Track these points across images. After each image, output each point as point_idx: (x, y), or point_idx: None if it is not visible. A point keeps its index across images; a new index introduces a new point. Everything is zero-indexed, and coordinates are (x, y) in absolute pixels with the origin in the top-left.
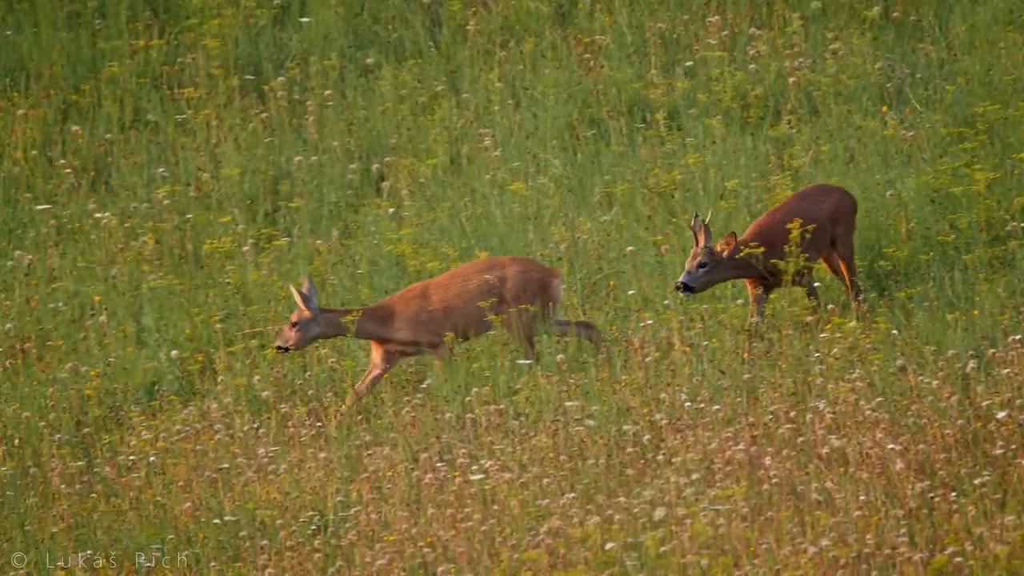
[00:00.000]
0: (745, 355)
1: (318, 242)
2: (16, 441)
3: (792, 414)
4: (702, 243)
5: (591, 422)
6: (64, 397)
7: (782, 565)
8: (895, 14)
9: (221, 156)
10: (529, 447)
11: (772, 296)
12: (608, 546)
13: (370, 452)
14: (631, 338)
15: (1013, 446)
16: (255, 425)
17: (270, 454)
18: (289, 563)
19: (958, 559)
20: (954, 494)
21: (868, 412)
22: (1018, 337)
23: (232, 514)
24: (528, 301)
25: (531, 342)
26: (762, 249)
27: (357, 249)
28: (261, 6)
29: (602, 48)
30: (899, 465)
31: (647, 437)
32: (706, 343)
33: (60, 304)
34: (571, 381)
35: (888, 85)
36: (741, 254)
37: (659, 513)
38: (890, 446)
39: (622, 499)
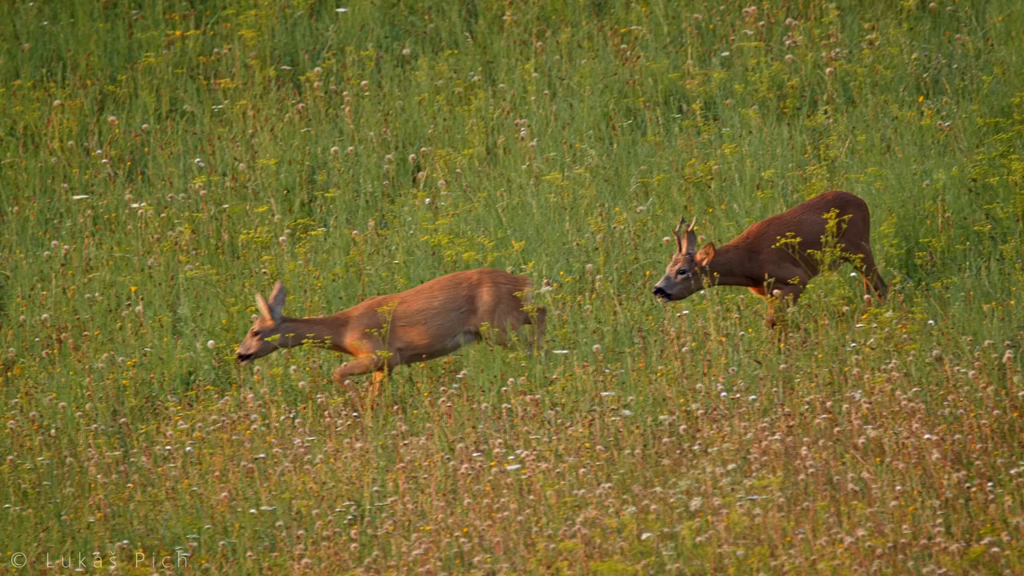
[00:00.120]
0: (781, 345)
1: (354, 232)
2: (53, 431)
3: (828, 404)
4: (685, 249)
5: (627, 412)
6: (100, 387)
7: (818, 555)
8: (932, 4)
9: (257, 146)
10: (565, 437)
11: (808, 286)
12: (644, 536)
13: (406, 442)
14: (667, 328)
15: None
16: (291, 415)
17: (306, 444)
18: (325, 553)
19: (994, 549)
20: (990, 484)
21: (904, 402)
22: None
23: (268, 504)
24: (504, 312)
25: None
26: (798, 239)
27: (393, 239)
28: None
29: (638, 38)
30: (935, 455)
31: (683, 427)
32: (742, 333)
33: (96, 294)
34: (607, 371)
35: (924, 75)
36: (778, 244)
37: (695, 503)
38: (926, 436)
39: (658, 489)
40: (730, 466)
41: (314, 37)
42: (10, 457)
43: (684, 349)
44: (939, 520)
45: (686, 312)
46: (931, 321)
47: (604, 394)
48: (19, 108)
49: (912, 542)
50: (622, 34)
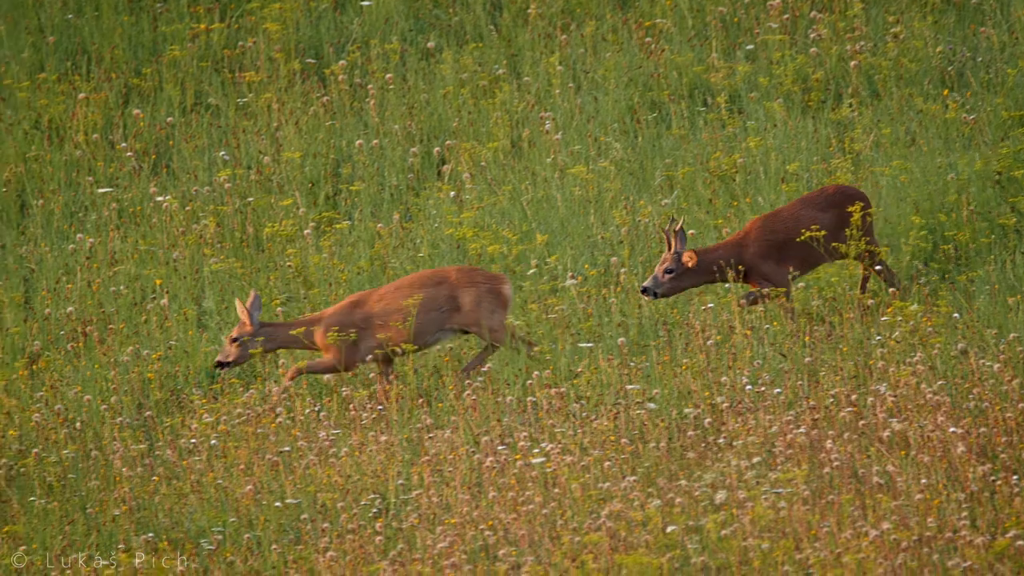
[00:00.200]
0: (806, 338)
1: (379, 225)
2: (78, 424)
3: (853, 397)
4: (674, 248)
5: (652, 405)
6: (126, 380)
7: (843, 548)
8: None
9: (282, 140)
10: (590, 430)
11: (833, 279)
12: (669, 529)
13: (431, 435)
14: (692, 321)
15: None
16: (316, 408)
17: (331, 437)
18: (350, 546)
19: (1020, 542)
20: (1015, 477)
21: (929, 395)
22: None
23: (293, 497)
24: (488, 311)
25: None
26: (823, 233)
27: (418, 232)
28: None
29: (663, 31)
30: (960, 448)
31: (708, 420)
32: (767, 326)
33: (121, 287)
34: (632, 364)
35: (949, 68)
36: (802, 237)
37: (720, 496)
38: (951, 429)
39: (683, 482)
40: (755, 459)
41: (339, 30)
42: (35, 450)
43: (709, 342)
44: (964, 513)
45: (711, 305)
46: (956, 314)
47: (629, 387)
48: (44, 101)
49: (937, 535)
50: (647, 27)
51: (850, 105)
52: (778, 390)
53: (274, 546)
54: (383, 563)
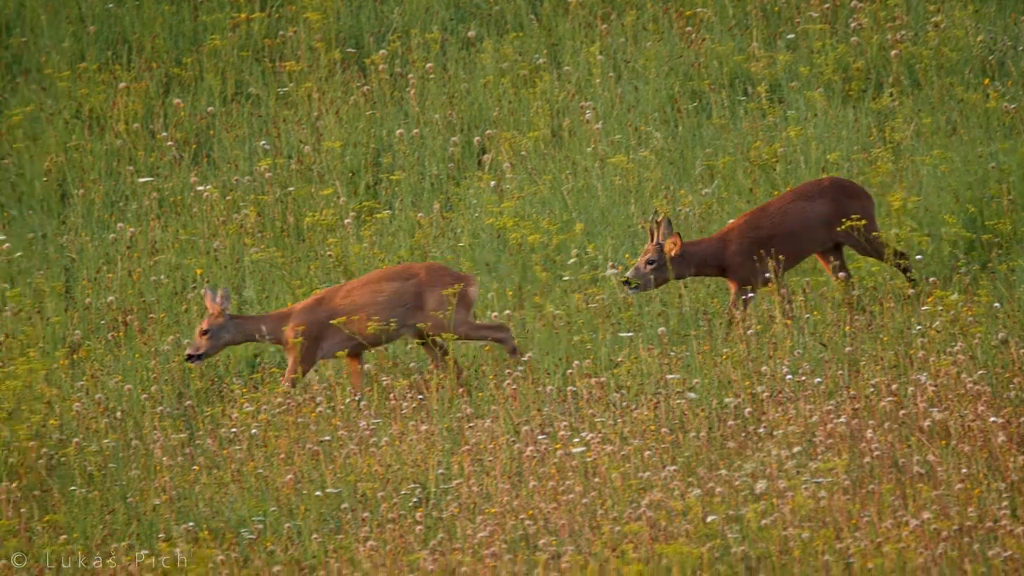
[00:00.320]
0: (847, 328)
1: (419, 215)
2: (119, 413)
3: (894, 387)
4: (657, 240)
5: (692, 395)
6: (166, 370)
7: (884, 538)
8: None
9: (323, 129)
10: (630, 420)
11: (874, 268)
12: (709, 519)
13: (471, 425)
14: (732, 311)
15: None
16: (356, 398)
17: (371, 427)
18: (391, 535)
19: None
20: None
21: (970, 385)
22: None
23: (334, 486)
24: (450, 307)
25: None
26: (863, 222)
27: (458, 222)
28: None
29: (704, 21)
30: (1001, 438)
31: (748, 410)
32: (807, 316)
33: (162, 277)
34: (672, 354)
35: (990, 57)
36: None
37: (760, 486)
38: (992, 419)
39: (723, 472)
40: (795, 449)
41: (379, 19)
42: (76, 439)
43: (749, 332)
44: (1005, 503)
45: (752, 295)
46: (997, 304)
47: (669, 377)
48: (85, 91)
49: (978, 525)
50: (687, 16)
51: (891, 94)
52: (818, 379)
53: (314, 535)
54: (423, 552)
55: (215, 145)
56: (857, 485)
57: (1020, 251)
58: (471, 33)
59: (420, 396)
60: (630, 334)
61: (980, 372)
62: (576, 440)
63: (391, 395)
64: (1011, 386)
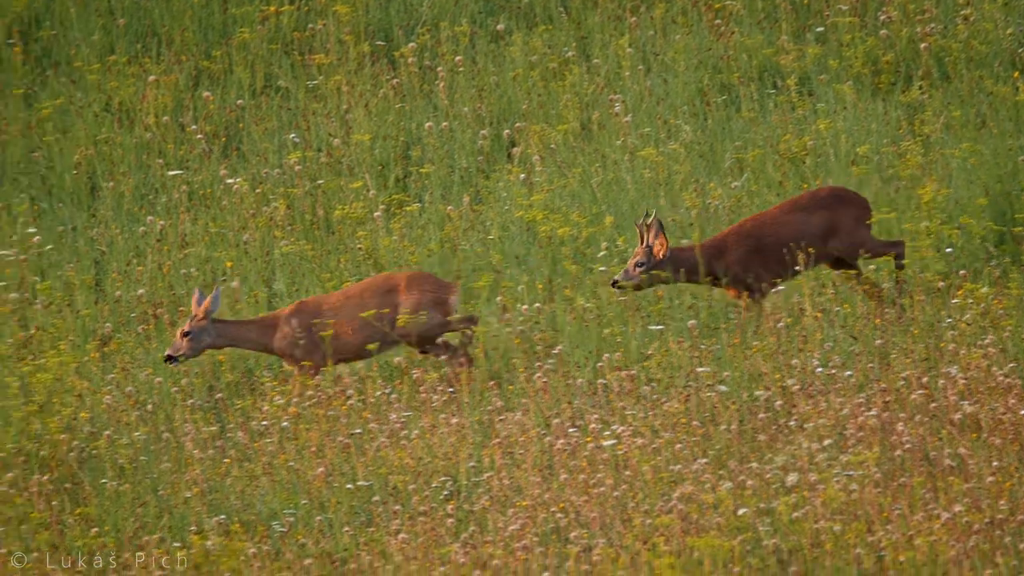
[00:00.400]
0: (877, 321)
1: (449, 208)
2: (149, 406)
3: (924, 380)
4: (647, 242)
5: (723, 388)
6: (196, 362)
7: (915, 531)
8: None
9: (352, 122)
10: (661, 413)
11: (905, 262)
12: (740, 512)
13: (502, 418)
14: (762, 304)
15: None
16: (387, 391)
17: (402, 419)
18: (422, 528)
19: None
20: None
21: (1001, 378)
22: None
23: (365, 479)
24: (428, 318)
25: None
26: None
27: (488, 215)
28: None
29: (733, 14)
30: None
31: (779, 403)
32: (838, 309)
33: (192, 270)
34: (703, 347)
35: (1020, 50)
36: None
37: (791, 479)
38: (1023, 412)
39: (754, 465)
40: (826, 442)
41: (408, 12)
42: (107, 432)
43: (779, 325)
44: None
45: (782, 288)
46: None
47: (700, 370)
48: (114, 84)
49: (1009, 518)
50: (716, 9)
51: (920, 87)
52: (849, 372)
53: (346, 528)
54: (454, 545)
55: (244, 138)
56: (888, 478)
57: None
58: (500, 26)
59: (451, 389)
60: (660, 327)
61: (1011, 365)
62: (607, 433)
63: (422, 388)
64: None
